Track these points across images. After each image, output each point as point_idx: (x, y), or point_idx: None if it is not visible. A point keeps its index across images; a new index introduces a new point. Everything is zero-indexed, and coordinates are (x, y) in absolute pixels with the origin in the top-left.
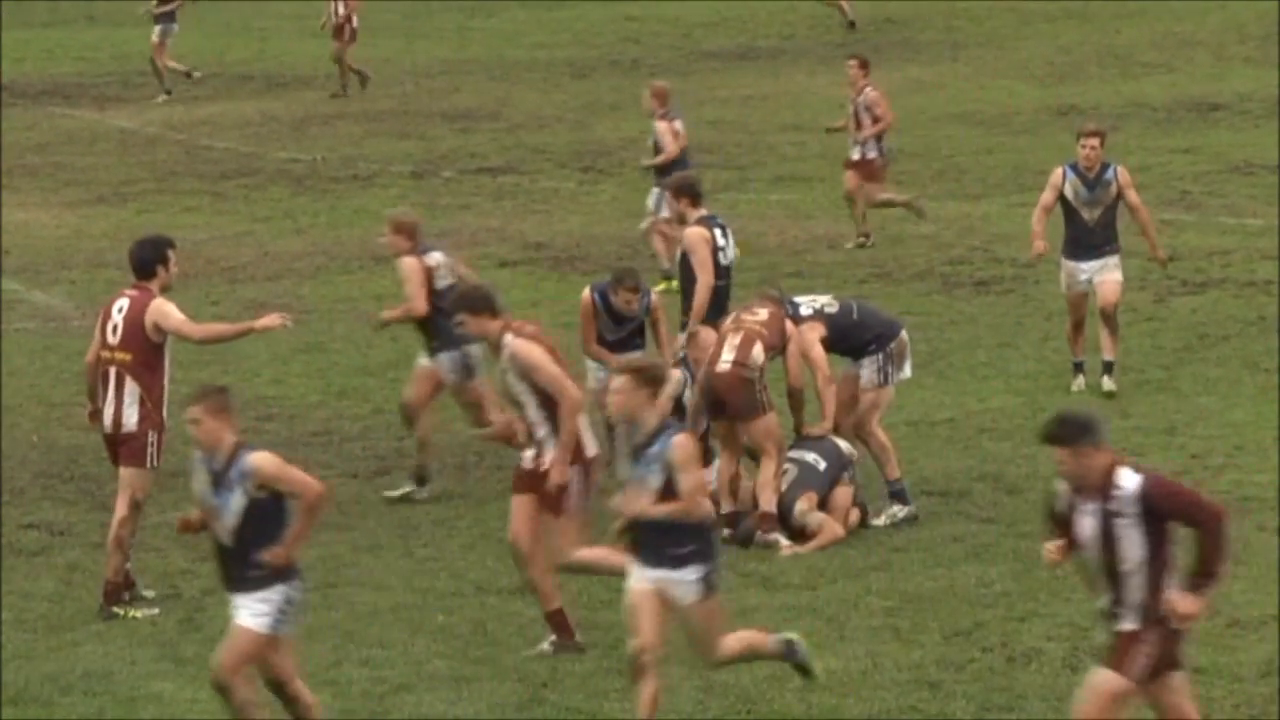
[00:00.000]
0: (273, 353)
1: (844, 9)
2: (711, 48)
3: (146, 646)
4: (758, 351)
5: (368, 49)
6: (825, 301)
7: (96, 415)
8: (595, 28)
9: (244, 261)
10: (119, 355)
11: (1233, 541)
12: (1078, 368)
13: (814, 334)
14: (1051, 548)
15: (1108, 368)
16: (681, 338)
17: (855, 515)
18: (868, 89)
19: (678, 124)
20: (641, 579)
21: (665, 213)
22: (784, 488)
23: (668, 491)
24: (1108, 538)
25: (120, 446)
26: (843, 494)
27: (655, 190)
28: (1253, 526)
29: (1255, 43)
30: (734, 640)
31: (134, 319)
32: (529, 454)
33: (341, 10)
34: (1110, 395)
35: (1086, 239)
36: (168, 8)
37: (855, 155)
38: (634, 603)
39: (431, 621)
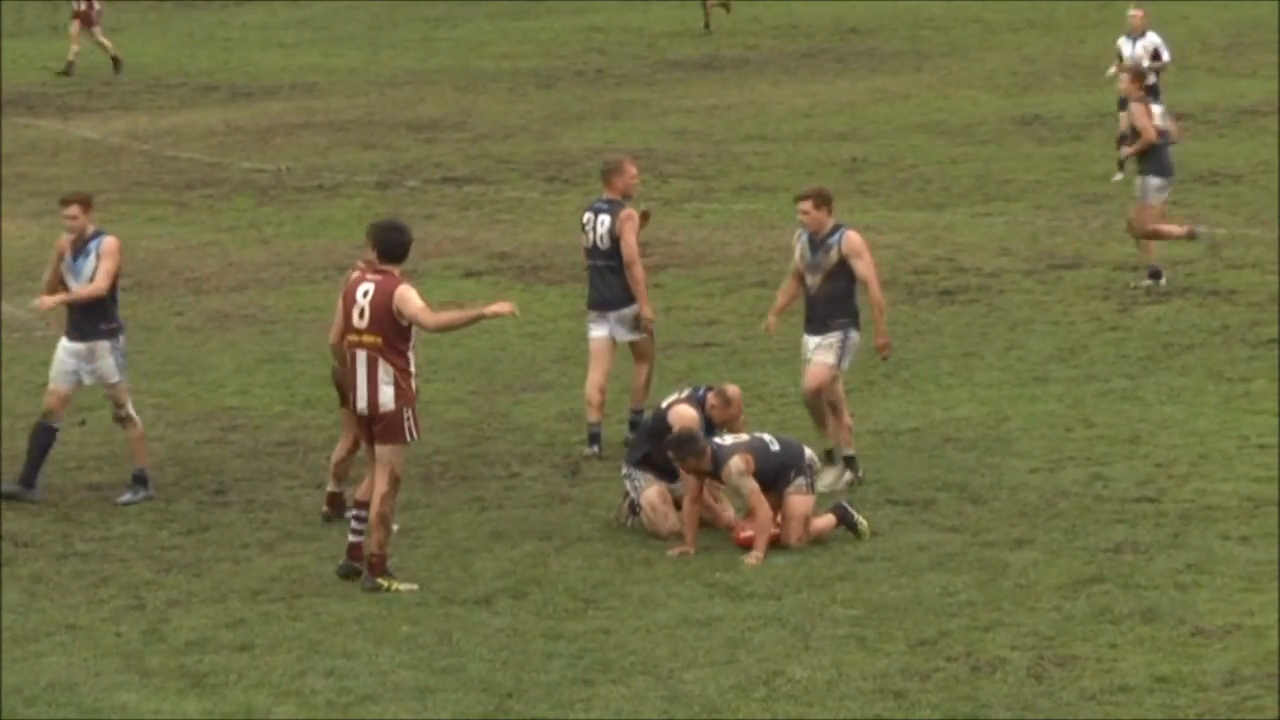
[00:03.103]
0: (237, 363)
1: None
2: (676, 57)
3: (111, 658)
4: None
5: (332, 58)
6: None
7: (348, 397)
8: (560, 38)
9: (208, 272)
10: (368, 338)
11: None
12: (827, 456)
13: None
14: None
15: (829, 456)
16: None
17: (824, 523)
18: None
19: None
20: None
21: None
22: (730, 442)
23: None
24: None
25: (377, 425)
26: (800, 502)
27: None
28: (1216, 536)
29: (1218, 53)
30: None
31: (381, 303)
32: None
33: None
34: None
35: (809, 309)
36: None
37: None
38: None
39: (397, 632)
